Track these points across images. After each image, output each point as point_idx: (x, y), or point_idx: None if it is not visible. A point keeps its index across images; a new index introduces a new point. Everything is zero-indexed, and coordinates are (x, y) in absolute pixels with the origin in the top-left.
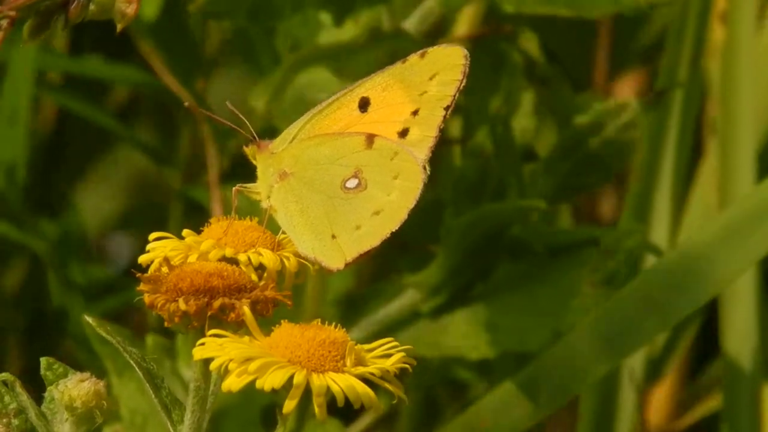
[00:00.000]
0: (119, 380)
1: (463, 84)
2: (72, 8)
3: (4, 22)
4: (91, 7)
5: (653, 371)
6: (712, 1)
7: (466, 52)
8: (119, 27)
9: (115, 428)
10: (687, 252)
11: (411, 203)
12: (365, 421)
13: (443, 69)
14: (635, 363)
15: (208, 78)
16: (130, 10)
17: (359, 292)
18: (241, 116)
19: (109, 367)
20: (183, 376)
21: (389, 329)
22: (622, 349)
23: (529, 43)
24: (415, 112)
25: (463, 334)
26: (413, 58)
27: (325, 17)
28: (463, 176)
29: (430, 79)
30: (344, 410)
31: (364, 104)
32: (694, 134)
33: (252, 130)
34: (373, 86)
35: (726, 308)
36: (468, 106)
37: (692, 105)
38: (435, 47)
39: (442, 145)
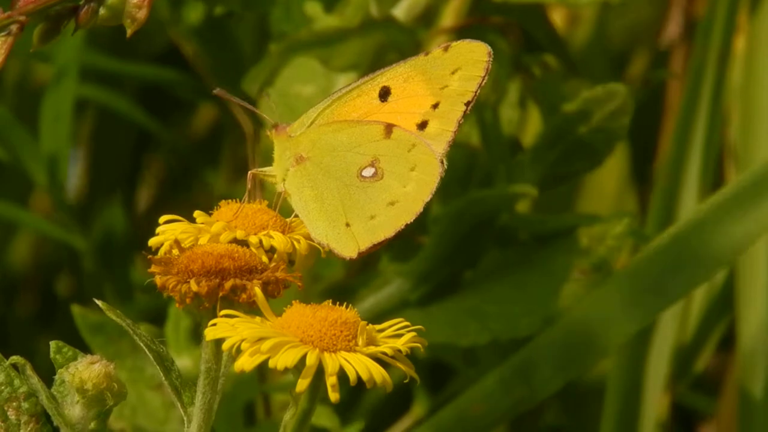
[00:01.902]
0: None
1: (485, 81)
2: (82, 13)
3: (14, 27)
4: (102, 11)
5: (681, 369)
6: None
7: (490, 49)
8: (129, 32)
9: None
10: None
11: (427, 196)
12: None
13: (466, 64)
14: (662, 360)
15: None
16: (141, 14)
17: (348, 282)
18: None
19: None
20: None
21: (378, 318)
22: (618, 333)
23: (516, 33)
24: (435, 106)
25: (452, 322)
26: (436, 51)
27: (312, 8)
28: (451, 166)
29: (452, 73)
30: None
31: (384, 93)
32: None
33: (266, 116)
34: (394, 76)
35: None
36: None
37: (719, 106)
38: (459, 41)
39: None
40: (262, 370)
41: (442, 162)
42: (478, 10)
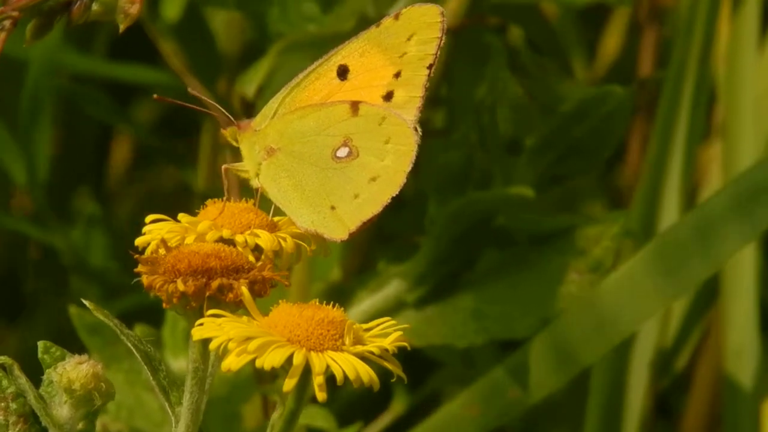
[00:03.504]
0: (107, 372)
1: (443, 41)
2: (75, 9)
3: (7, 23)
4: (95, 7)
5: (663, 367)
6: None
7: (441, 9)
8: (122, 27)
9: (101, 421)
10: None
11: (407, 166)
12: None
13: (420, 28)
14: (644, 360)
15: (232, 80)
16: (134, 9)
17: (345, 283)
18: (211, 101)
19: (95, 358)
20: (170, 366)
21: (375, 320)
22: (612, 336)
23: (513, 34)
24: (397, 75)
25: (449, 323)
26: (387, 20)
27: (309, 8)
28: (447, 167)
29: (408, 39)
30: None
31: (342, 72)
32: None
33: (226, 113)
34: (349, 53)
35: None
36: (452, 97)
37: (701, 102)
38: (408, 7)
39: (426, 136)
40: (259, 372)
41: (416, 129)
42: (475, 11)
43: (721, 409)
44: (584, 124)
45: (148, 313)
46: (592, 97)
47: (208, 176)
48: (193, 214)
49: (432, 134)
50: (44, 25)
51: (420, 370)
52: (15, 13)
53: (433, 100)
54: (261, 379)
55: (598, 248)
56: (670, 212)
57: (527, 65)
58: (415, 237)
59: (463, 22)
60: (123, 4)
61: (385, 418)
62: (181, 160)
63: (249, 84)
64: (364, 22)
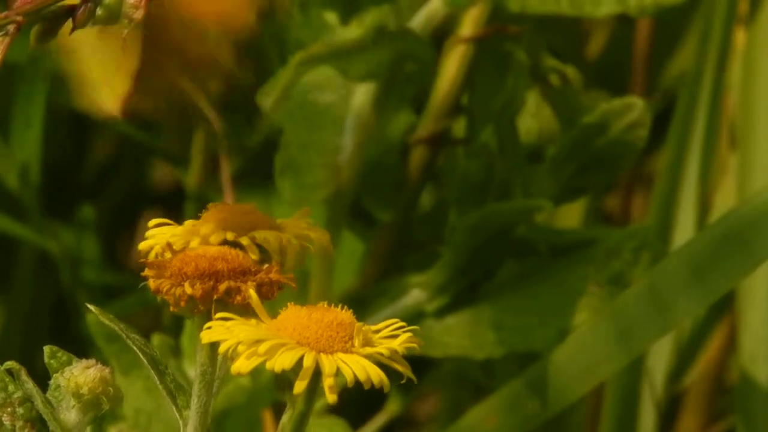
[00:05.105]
0: (125, 379)
1: None
2: (79, 14)
3: (11, 27)
4: (99, 12)
5: (676, 374)
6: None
7: None
8: (125, 32)
9: (119, 427)
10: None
11: None
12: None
13: None
14: (658, 365)
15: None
16: (138, 15)
17: (364, 292)
18: None
19: (114, 365)
20: (188, 376)
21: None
22: (631, 348)
23: (535, 43)
24: None
25: (469, 334)
26: None
27: (330, 17)
28: (468, 176)
29: None
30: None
31: None
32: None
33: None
34: None
35: (743, 309)
36: (472, 106)
37: (717, 109)
38: None
39: (447, 145)
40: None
41: None
42: (497, 20)
43: (735, 415)
44: (606, 135)
45: (145, 313)
46: (614, 109)
47: (200, 175)
48: (186, 213)
49: (453, 143)
50: (48, 30)
51: (413, 371)
52: (19, 18)
53: (454, 108)
54: (281, 387)
55: (618, 260)
56: (686, 222)
57: (548, 74)
58: (436, 246)
59: (484, 31)
60: (127, 9)
61: (380, 418)
62: (175, 158)
63: (267, 96)
64: (384, 34)
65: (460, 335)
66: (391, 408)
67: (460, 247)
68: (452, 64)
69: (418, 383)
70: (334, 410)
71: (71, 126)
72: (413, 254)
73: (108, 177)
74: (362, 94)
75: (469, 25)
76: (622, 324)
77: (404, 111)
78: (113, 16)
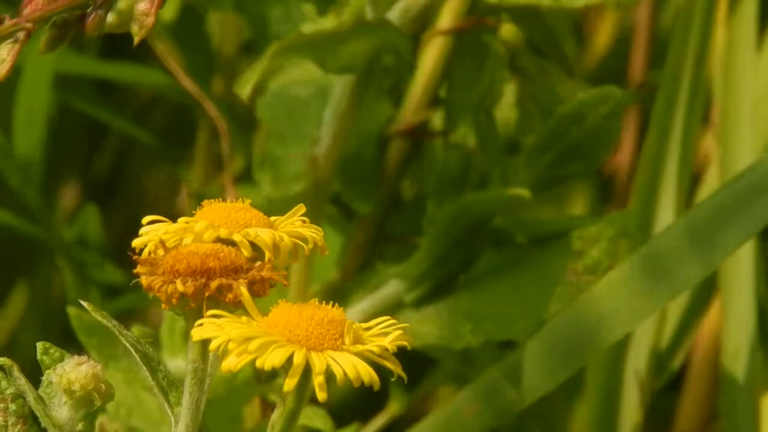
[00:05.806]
0: (105, 371)
1: None
2: (89, 21)
3: (21, 34)
4: (110, 18)
5: (659, 369)
6: (716, 4)
7: None
8: (137, 39)
9: (99, 420)
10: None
11: None
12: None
13: None
14: (640, 360)
15: (229, 80)
16: (149, 21)
17: (343, 283)
18: None
19: (94, 358)
20: (167, 366)
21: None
22: (610, 335)
23: (512, 35)
24: None
25: (447, 324)
26: None
27: (308, 9)
28: (446, 168)
29: None
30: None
31: None
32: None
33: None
34: None
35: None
36: (451, 97)
37: (697, 103)
38: None
39: (425, 137)
40: (259, 372)
41: None
42: (475, 12)
43: (720, 407)
44: (583, 125)
45: (141, 312)
46: (591, 99)
47: (202, 175)
48: (185, 212)
49: (431, 135)
50: (58, 37)
51: (416, 370)
52: (29, 25)
53: (432, 100)
54: (260, 380)
55: (595, 249)
56: (666, 212)
57: (526, 66)
58: (414, 238)
59: (462, 23)
60: (138, 15)
61: (382, 418)
62: (177, 158)
63: (244, 86)
64: (362, 25)
65: (438, 325)
66: (393, 408)
67: (438, 237)
68: (430, 56)
69: (419, 383)
70: (334, 410)
71: (77, 126)
72: (392, 246)
73: (113, 177)
74: (340, 86)
75: (447, 16)
76: (598, 312)
77: (382, 103)
78: (125, 23)
